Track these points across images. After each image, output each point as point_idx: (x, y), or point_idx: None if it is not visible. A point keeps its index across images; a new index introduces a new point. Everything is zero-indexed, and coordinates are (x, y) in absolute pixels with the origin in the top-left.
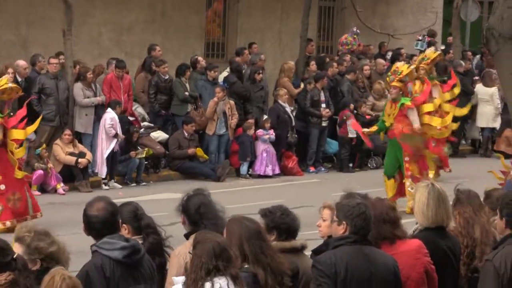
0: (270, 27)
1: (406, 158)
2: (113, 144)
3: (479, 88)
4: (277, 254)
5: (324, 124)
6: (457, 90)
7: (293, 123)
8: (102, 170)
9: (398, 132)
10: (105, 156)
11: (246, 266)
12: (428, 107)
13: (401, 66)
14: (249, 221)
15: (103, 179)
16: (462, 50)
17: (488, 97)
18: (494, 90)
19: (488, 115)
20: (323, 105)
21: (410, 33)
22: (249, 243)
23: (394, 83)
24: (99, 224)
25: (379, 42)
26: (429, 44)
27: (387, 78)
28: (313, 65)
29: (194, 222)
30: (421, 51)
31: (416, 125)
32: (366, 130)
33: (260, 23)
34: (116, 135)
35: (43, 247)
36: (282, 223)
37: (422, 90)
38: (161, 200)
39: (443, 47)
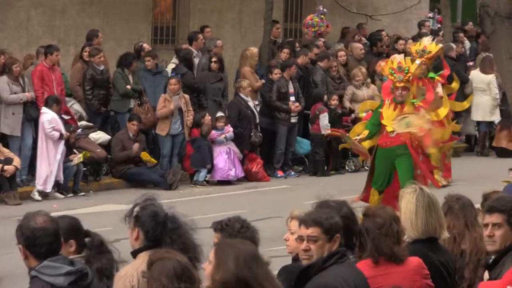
0: (229, 8)
1: (419, 172)
2: (61, 147)
3: (474, 75)
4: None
5: (293, 120)
6: (456, 85)
7: (257, 120)
8: (47, 184)
9: (407, 138)
10: (56, 165)
11: None
12: (443, 112)
13: (405, 62)
14: (242, 244)
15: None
16: (453, 31)
17: (484, 86)
18: (491, 78)
19: (484, 107)
20: (292, 98)
21: (391, 13)
22: (250, 270)
23: (404, 84)
24: (39, 243)
25: (356, 24)
26: (440, 24)
27: (391, 77)
28: (285, 53)
29: (153, 238)
30: (433, 34)
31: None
32: (358, 137)
33: (217, 3)
34: (61, 136)
35: None
36: (242, 238)
37: (426, 89)
38: (103, 213)
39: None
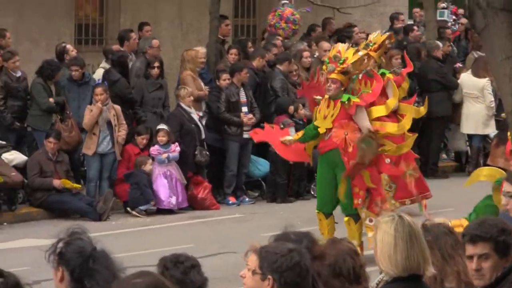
0: (166, 1)
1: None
2: None
3: (465, 79)
4: None
5: (246, 135)
6: (406, 85)
7: (203, 135)
8: None
9: (340, 140)
10: None
11: None
12: (379, 111)
13: (345, 51)
14: (142, 277)
15: None
16: (439, 26)
17: (477, 92)
18: (485, 82)
19: (477, 117)
20: (245, 109)
21: (362, 5)
22: None
23: (333, 75)
24: None
25: (321, 18)
26: (456, 16)
27: (324, 66)
28: (233, 54)
29: (78, 278)
30: (452, 27)
31: (367, 125)
32: (286, 138)
33: None
34: None
35: None
36: (181, 281)
37: (372, 87)
38: (19, 249)
39: (410, 22)
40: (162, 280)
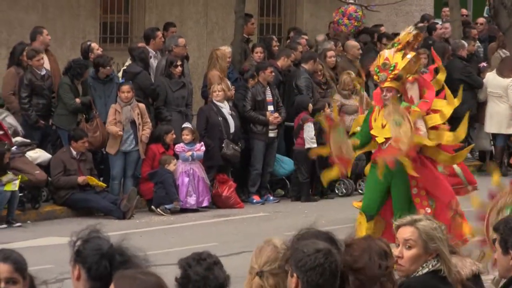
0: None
1: (414, 191)
2: None
3: (490, 78)
4: None
5: (272, 134)
6: (441, 76)
7: (232, 129)
8: None
9: (395, 151)
10: None
11: None
12: (433, 119)
13: (393, 56)
14: (145, 275)
15: None
16: (464, 26)
17: (501, 91)
18: (509, 82)
19: (501, 117)
20: (270, 108)
21: (390, 3)
22: None
23: (387, 83)
24: None
25: None
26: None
27: (375, 77)
28: (258, 53)
29: (97, 277)
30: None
31: (424, 132)
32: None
33: None
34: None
35: None
36: (205, 277)
37: (424, 93)
38: (43, 247)
39: (438, 21)
40: (162, 282)
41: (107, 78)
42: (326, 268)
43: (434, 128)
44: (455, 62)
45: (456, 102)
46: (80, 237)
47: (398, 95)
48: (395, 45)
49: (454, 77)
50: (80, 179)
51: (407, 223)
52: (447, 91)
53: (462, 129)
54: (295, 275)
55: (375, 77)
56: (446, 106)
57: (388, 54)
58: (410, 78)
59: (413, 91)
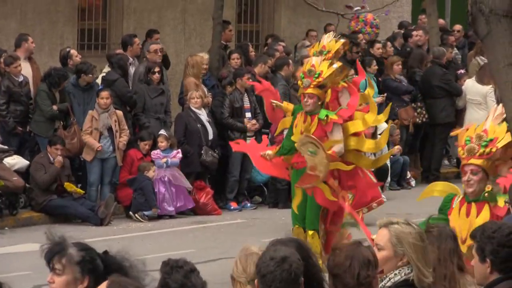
0: (170, 6)
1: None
2: None
3: (469, 85)
4: None
5: (249, 141)
6: (370, 91)
7: (210, 136)
8: None
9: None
10: None
11: None
12: (356, 126)
13: (319, 64)
14: (131, 284)
15: None
16: (442, 33)
17: (481, 99)
18: (488, 89)
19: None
20: (248, 114)
21: (367, 11)
22: None
23: (309, 90)
24: None
25: (324, 24)
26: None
27: (299, 82)
28: (235, 59)
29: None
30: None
31: (339, 140)
32: (266, 152)
33: (155, 0)
34: None
35: None
36: (183, 285)
37: (349, 93)
38: (20, 254)
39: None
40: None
41: (87, 85)
42: (276, 276)
43: (356, 134)
44: (435, 69)
45: (382, 117)
46: (69, 245)
47: (319, 102)
48: (324, 53)
49: (433, 84)
50: (56, 161)
51: (383, 224)
52: (372, 103)
53: (384, 138)
54: (256, 280)
55: (299, 82)
56: (369, 114)
57: (315, 61)
58: (339, 86)
59: (344, 98)
